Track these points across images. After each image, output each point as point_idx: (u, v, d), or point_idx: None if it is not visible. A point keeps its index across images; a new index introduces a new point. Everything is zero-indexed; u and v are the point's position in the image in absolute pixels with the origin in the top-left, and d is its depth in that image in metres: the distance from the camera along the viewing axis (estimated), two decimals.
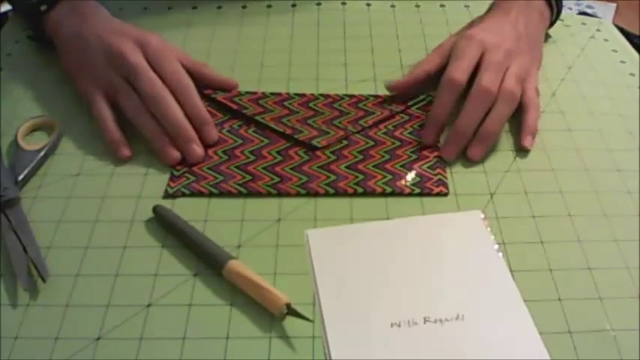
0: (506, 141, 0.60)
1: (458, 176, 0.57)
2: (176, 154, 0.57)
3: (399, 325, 0.46)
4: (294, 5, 0.77)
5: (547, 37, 0.73)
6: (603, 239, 0.52)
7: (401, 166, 0.57)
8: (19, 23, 0.75)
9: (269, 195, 0.55)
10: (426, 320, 0.46)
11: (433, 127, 0.59)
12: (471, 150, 0.58)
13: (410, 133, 0.60)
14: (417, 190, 0.55)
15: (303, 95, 0.64)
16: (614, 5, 0.79)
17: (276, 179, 0.56)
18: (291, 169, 0.57)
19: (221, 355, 0.44)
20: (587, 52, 0.72)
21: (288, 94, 0.64)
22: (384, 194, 0.55)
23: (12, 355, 0.45)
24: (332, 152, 0.58)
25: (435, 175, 0.57)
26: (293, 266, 0.50)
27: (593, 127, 0.62)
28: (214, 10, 0.77)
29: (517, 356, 0.44)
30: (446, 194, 0.55)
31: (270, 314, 0.47)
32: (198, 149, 0.58)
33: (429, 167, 0.57)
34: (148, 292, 0.48)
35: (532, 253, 0.51)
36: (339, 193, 0.55)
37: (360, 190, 0.55)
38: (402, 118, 0.62)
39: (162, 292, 0.48)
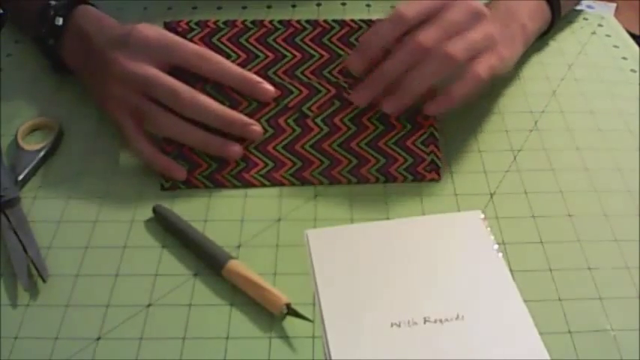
0: (506, 141, 0.60)
1: (458, 176, 0.57)
2: (237, 148, 0.55)
3: (399, 325, 0.46)
4: (294, 6, 0.77)
5: (547, 34, 0.73)
6: (603, 239, 0.52)
7: (394, 143, 0.56)
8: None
9: (263, 186, 0.55)
10: (426, 320, 0.46)
11: (359, 54, 0.55)
12: (384, 101, 0.55)
13: None
14: (410, 177, 0.56)
15: (288, 24, 0.59)
16: (614, 5, 0.79)
17: (270, 164, 0.56)
18: (284, 148, 0.56)
19: (221, 355, 0.45)
20: (588, 50, 0.72)
21: (271, 22, 0.59)
22: (377, 182, 0.55)
23: (12, 355, 0.45)
24: (323, 121, 0.57)
25: (428, 154, 0.56)
26: (293, 266, 0.50)
27: (593, 127, 0.62)
28: (214, 10, 0.77)
29: (517, 356, 0.44)
30: (438, 180, 0.55)
31: (270, 314, 0.47)
32: (257, 128, 0.55)
33: (422, 143, 0.56)
34: (148, 292, 0.48)
35: (532, 253, 0.51)
36: (333, 183, 0.55)
37: (354, 179, 0.55)
38: None
39: (162, 292, 0.48)
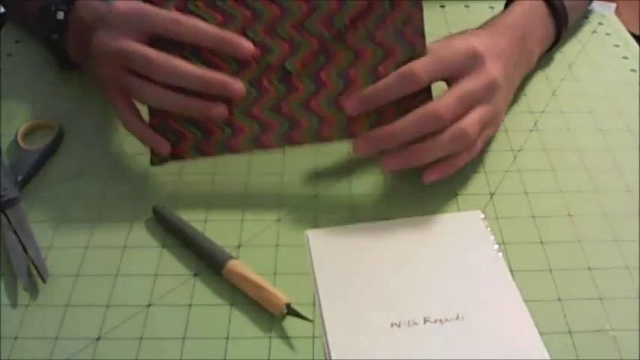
0: (506, 141, 0.60)
1: (458, 176, 0.57)
2: (221, 108, 0.53)
3: (399, 325, 0.46)
4: None
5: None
6: (603, 239, 0.52)
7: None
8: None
9: (252, 152, 0.54)
10: (426, 320, 0.46)
11: (360, 102, 0.53)
12: (386, 159, 0.53)
13: (394, 33, 0.53)
14: None
15: None
16: (614, 5, 0.79)
17: (257, 128, 0.54)
18: (269, 109, 0.54)
19: (221, 355, 0.45)
20: (588, 50, 0.72)
21: None
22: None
23: (12, 355, 0.45)
24: (309, 78, 0.54)
25: (422, 102, 0.53)
26: (293, 266, 0.50)
27: (594, 127, 0.62)
28: None
29: (517, 356, 0.44)
30: None
31: (270, 314, 0.47)
32: (238, 86, 0.53)
33: (415, 93, 0.53)
34: (148, 292, 0.48)
35: (532, 253, 0.51)
36: (324, 142, 0.54)
37: (345, 137, 0.54)
38: (383, 7, 0.54)
39: (162, 292, 0.48)
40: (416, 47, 0.53)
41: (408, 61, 0.53)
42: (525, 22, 0.62)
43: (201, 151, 0.55)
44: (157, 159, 0.55)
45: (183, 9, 0.56)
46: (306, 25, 0.54)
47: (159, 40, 0.54)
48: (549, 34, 0.66)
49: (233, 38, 0.54)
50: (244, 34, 0.54)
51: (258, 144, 0.54)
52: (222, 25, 0.55)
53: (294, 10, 0.54)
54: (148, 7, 0.55)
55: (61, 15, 0.61)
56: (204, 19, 0.55)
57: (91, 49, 0.56)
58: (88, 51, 0.59)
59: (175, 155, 0.55)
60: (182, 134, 0.55)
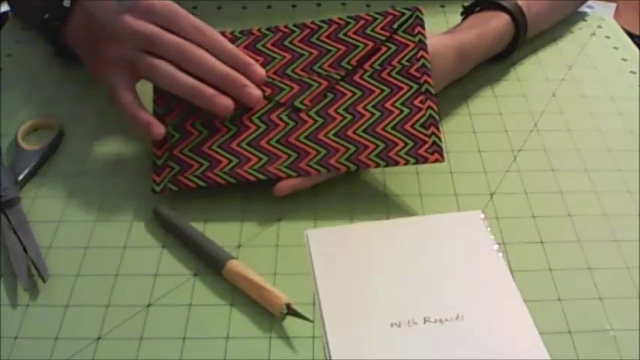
0: (506, 141, 0.60)
1: (458, 176, 0.57)
2: (229, 102, 0.54)
3: (399, 325, 0.46)
4: (294, 6, 0.77)
5: (546, 35, 0.73)
6: (603, 239, 0.52)
7: (392, 128, 0.54)
8: (19, 24, 0.75)
9: (258, 180, 0.54)
10: (426, 320, 0.46)
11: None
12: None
13: (398, 72, 0.56)
14: (413, 161, 0.53)
15: (276, 30, 0.59)
16: (614, 5, 0.79)
17: (264, 159, 0.54)
18: (278, 141, 0.55)
19: (221, 355, 0.45)
20: (588, 51, 0.72)
21: (259, 30, 0.60)
22: (378, 167, 0.54)
23: (12, 355, 0.45)
24: (317, 113, 0.56)
25: (429, 136, 0.54)
26: (293, 266, 0.50)
27: (593, 127, 0.62)
28: (214, 10, 0.77)
29: (517, 356, 0.44)
30: (441, 162, 0.53)
31: (270, 314, 0.47)
32: (255, 91, 0.55)
33: (421, 126, 0.54)
34: (148, 292, 0.48)
35: (532, 253, 0.51)
36: (331, 171, 0.54)
37: (352, 167, 0.53)
38: (389, 49, 0.57)
39: (162, 292, 0.48)
40: (422, 84, 0.56)
41: (415, 97, 0.55)
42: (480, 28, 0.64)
43: (206, 179, 0.54)
44: (158, 187, 0.55)
45: None
46: (315, 67, 0.57)
47: None
48: (507, 37, 0.66)
49: (247, 62, 0.56)
50: None
51: (265, 172, 0.54)
52: None
53: (304, 55, 0.58)
54: (178, 8, 0.57)
55: (67, 2, 0.61)
56: None
57: (113, 27, 0.56)
58: (87, 35, 0.60)
59: (178, 184, 0.54)
60: (187, 164, 0.55)
